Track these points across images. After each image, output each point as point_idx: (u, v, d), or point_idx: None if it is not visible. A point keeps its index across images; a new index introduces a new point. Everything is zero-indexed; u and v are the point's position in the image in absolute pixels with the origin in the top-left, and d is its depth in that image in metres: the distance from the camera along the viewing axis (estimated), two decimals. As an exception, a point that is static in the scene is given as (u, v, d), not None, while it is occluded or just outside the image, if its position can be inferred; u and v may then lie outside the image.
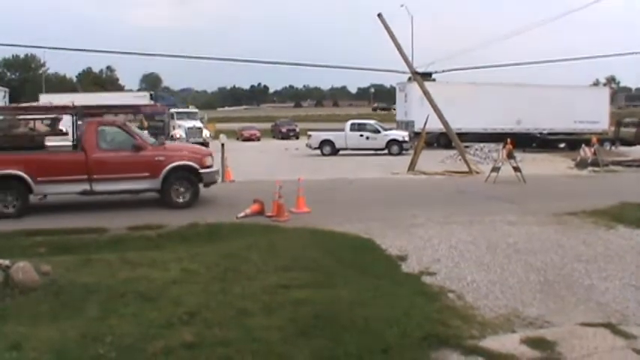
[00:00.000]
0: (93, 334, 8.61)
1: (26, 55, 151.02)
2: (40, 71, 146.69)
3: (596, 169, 34.89)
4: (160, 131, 57.60)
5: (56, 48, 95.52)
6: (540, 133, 56.76)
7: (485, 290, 11.66)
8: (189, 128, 54.96)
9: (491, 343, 9.04)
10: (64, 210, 20.19)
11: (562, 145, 54.90)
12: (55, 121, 30.98)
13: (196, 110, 65.62)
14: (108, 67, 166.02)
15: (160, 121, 57.86)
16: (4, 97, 65.85)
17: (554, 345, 8.92)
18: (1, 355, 7.94)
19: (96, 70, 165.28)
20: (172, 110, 58.87)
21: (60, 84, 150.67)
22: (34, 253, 13.60)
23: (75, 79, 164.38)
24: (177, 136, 53.61)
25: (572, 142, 52.80)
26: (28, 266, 10.65)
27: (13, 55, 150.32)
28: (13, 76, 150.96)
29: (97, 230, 16.34)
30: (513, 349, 8.84)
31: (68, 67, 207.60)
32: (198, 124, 57.40)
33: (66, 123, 24.75)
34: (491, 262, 13.49)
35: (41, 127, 30.76)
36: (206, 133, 56.66)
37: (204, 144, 54.42)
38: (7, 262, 10.60)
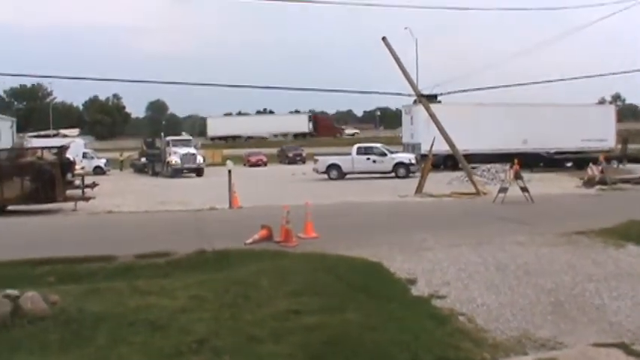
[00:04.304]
0: (103, 362, 8.61)
1: (33, 85, 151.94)
2: (47, 100, 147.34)
3: (604, 187, 34.84)
4: (157, 158, 59.25)
5: (61, 77, 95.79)
6: (547, 153, 56.68)
7: (496, 312, 11.60)
8: (183, 155, 57.98)
9: (503, 365, 9.00)
10: (71, 238, 20.18)
11: (569, 164, 54.85)
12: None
13: (190, 137, 68.52)
14: (114, 95, 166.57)
15: (156, 148, 59.92)
16: (12, 126, 66.24)
17: (567, 366, 8.87)
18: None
19: (102, 97, 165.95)
20: (168, 138, 61.83)
21: (67, 113, 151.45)
22: (42, 283, 13.57)
23: (81, 108, 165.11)
24: (173, 162, 56.50)
25: (579, 160, 52.78)
26: (37, 296, 10.65)
27: (20, 85, 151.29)
28: (21, 106, 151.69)
29: (105, 259, 16.30)
30: (525, 371, 8.81)
31: (75, 95, 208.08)
32: (192, 150, 59.97)
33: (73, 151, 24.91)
34: (501, 283, 13.43)
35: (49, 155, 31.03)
36: (200, 159, 59.57)
37: (199, 169, 55.77)
38: (15, 292, 10.62)
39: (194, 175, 57.05)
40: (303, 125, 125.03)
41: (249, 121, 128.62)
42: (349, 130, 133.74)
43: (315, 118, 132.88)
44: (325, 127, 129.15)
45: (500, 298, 12.45)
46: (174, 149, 58.74)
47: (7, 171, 29.96)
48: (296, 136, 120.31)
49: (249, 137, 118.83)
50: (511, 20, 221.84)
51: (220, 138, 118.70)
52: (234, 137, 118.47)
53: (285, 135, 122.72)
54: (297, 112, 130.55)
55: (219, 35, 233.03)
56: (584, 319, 11.29)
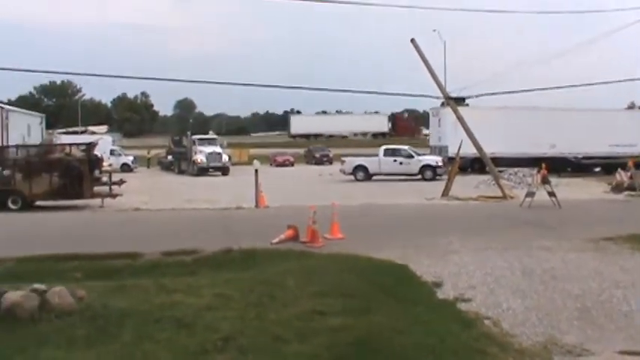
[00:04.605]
0: (128, 359, 8.64)
1: (62, 82, 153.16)
2: (76, 97, 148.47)
3: (633, 193, 34.51)
4: (183, 156, 59.60)
5: (90, 74, 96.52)
6: (575, 157, 56.31)
7: (522, 317, 11.55)
8: (209, 153, 58.09)
9: (529, 371, 8.95)
10: (98, 234, 20.32)
11: (597, 169, 54.49)
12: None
13: (216, 137, 68.61)
14: (142, 93, 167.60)
15: (183, 147, 60.28)
16: (41, 123, 66.86)
17: (593, 373, 8.81)
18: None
19: (130, 95, 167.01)
20: (194, 137, 61.79)
21: (95, 110, 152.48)
22: (69, 278, 13.65)
23: (110, 105, 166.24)
24: (199, 160, 56.71)
25: (607, 166, 52.41)
26: (64, 291, 10.72)
27: (49, 82, 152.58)
28: (50, 103, 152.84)
29: (131, 255, 16.41)
30: (551, 377, 8.76)
31: (103, 93, 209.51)
32: (217, 149, 59.89)
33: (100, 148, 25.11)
34: (527, 288, 13.37)
35: (77, 152, 31.31)
36: (225, 158, 59.65)
37: (224, 168, 55.87)
38: (43, 286, 10.69)
39: (220, 173, 57.28)
40: (382, 125, 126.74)
41: (331, 120, 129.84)
42: (425, 131, 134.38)
43: (395, 118, 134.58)
44: (404, 127, 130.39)
45: (527, 303, 12.39)
46: (200, 148, 58.93)
47: (36, 167, 30.25)
48: (375, 135, 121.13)
49: (330, 136, 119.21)
50: (543, 21, 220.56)
51: (301, 136, 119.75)
52: (316, 135, 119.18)
53: (364, 134, 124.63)
54: (376, 112, 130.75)
55: (248, 35, 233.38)
56: (612, 326, 11.21)
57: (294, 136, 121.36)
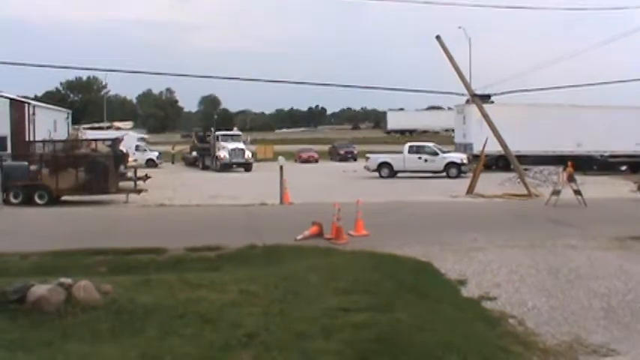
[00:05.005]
0: (153, 353, 8.68)
1: (88, 77, 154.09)
2: (102, 93, 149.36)
3: (659, 192, 34.17)
4: (207, 152, 59.79)
5: (114, 70, 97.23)
6: (601, 156, 55.75)
7: (547, 316, 11.49)
8: (232, 149, 58.28)
9: (554, 370, 8.89)
10: (123, 230, 20.43)
11: (624, 168, 53.97)
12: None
13: (240, 133, 68.19)
14: (167, 89, 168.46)
15: (207, 142, 60.44)
16: (67, 118, 67.22)
17: (620, 374, 8.74)
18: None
19: (155, 91, 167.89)
20: (218, 133, 62.27)
21: (121, 106, 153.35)
22: (94, 273, 13.77)
23: (135, 101, 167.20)
24: (222, 156, 57.03)
25: (634, 164, 51.90)
26: (90, 285, 10.79)
27: (76, 77, 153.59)
28: (76, 98, 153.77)
29: (156, 251, 16.51)
30: (577, 377, 8.70)
31: (128, 89, 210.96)
32: (240, 145, 59.99)
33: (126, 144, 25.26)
34: (552, 287, 13.30)
35: (103, 147, 31.58)
36: (248, 154, 59.64)
37: (247, 164, 55.99)
38: (69, 280, 10.76)
39: (243, 169, 57.49)
40: None
41: (424, 116, 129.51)
42: None
43: None
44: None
45: (552, 302, 12.33)
46: (223, 144, 59.11)
47: (62, 162, 30.51)
48: None
49: (424, 131, 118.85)
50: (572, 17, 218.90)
51: (396, 131, 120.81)
52: (411, 131, 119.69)
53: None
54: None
55: (272, 31, 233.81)
56: (638, 325, 11.12)
57: (389, 132, 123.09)
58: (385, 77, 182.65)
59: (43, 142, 36.92)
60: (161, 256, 16.11)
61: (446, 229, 20.39)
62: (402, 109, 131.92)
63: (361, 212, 19.58)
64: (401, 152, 50.00)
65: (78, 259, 15.52)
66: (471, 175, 37.95)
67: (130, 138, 57.21)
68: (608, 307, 12.05)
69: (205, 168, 60.29)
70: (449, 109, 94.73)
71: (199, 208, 27.83)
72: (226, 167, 56.78)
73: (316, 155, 76.06)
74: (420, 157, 48.78)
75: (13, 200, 29.30)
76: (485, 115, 35.47)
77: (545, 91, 41.03)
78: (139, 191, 32.27)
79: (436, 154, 49.15)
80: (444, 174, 47.89)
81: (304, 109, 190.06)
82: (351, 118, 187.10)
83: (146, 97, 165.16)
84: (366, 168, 49.60)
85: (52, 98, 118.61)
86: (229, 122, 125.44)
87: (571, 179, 27.94)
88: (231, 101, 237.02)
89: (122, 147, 36.04)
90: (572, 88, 37.92)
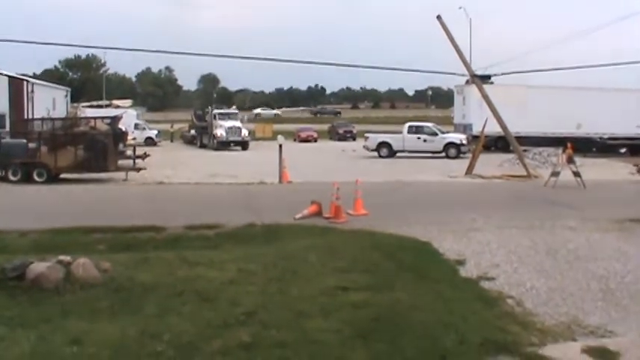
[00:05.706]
0: (151, 331, 8.69)
1: (87, 56, 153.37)
2: (101, 71, 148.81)
3: (658, 174, 34.20)
4: (205, 131, 59.75)
5: (113, 48, 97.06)
6: (601, 138, 55.62)
7: (545, 297, 11.49)
8: (229, 128, 58.19)
9: (552, 351, 8.88)
10: (122, 208, 20.43)
11: (623, 151, 53.96)
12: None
13: (237, 111, 67.87)
14: (167, 68, 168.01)
15: (205, 121, 60.44)
16: (66, 96, 67.12)
17: (617, 355, 8.73)
18: (61, 349, 8.07)
19: (155, 70, 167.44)
20: (215, 111, 61.97)
21: (120, 84, 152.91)
22: (93, 250, 13.80)
23: (134, 79, 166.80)
24: (219, 135, 57.06)
25: (633, 147, 51.85)
26: (89, 263, 10.82)
27: (75, 56, 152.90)
28: (75, 76, 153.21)
29: (154, 229, 16.53)
30: (574, 358, 8.70)
31: (128, 67, 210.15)
32: (237, 124, 59.82)
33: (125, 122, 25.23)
34: (551, 268, 13.30)
35: (102, 125, 31.53)
36: (245, 132, 59.66)
37: (244, 143, 55.90)
38: (68, 258, 10.79)
39: (240, 148, 57.48)
40: None
41: None
42: None
43: None
44: None
45: (550, 283, 12.32)
46: (220, 122, 59.00)
47: (61, 140, 30.44)
48: None
49: None
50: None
51: None
52: None
53: None
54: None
55: (271, 9, 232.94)
56: (636, 307, 11.10)
57: None
58: (385, 57, 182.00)
59: (42, 119, 36.87)
60: (160, 234, 16.13)
61: (445, 210, 20.42)
62: (401, 89, 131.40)
63: (360, 192, 19.60)
64: (400, 132, 49.93)
65: (77, 236, 15.54)
66: (470, 155, 37.94)
67: (129, 116, 57.11)
68: (606, 289, 12.05)
69: (203, 146, 60.25)
70: (448, 89, 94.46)
71: (198, 186, 27.85)
72: (223, 145, 56.62)
73: (315, 134, 75.97)
74: (419, 137, 48.72)
75: (11, 178, 29.28)
76: (485, 96, 35.44)
77: (550, 73, 40.92)
78: (138, 169, 32.22)
79: (435, 134, 49.12)
80: (443, 154, 47.87)
81: (304, 88, 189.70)
82: (350, 97, 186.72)
83: (145, 75, 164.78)
84: (365, 147, 49.55)
85: (50, 76, 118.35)
86: (228, 101, 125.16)
87: (570, 161, 27.95)
88: (231, 80, 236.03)
89: (121, 125, 35.97)
90: (578, 70, 37.57)
